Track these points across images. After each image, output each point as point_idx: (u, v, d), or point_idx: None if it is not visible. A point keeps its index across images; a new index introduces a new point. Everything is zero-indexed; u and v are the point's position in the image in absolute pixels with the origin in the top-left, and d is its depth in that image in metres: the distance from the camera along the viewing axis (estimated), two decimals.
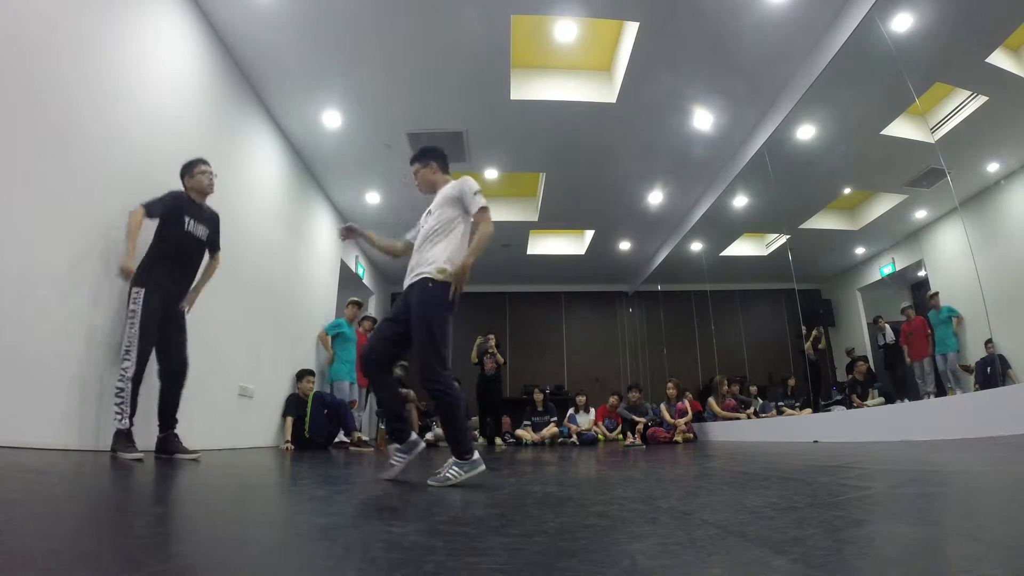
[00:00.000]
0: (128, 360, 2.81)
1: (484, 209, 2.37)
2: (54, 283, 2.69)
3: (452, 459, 2.17)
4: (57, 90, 2.74)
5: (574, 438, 7.58)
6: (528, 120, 5.68)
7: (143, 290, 2.93)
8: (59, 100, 2.75)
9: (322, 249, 6.92)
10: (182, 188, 3.32)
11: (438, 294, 2.23)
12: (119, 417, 2.75)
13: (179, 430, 3.14)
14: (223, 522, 1.41)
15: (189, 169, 3.34)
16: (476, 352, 7.94)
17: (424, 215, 2.54)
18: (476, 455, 2.19)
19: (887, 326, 7.87)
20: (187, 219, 3.19)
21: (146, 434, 2.99)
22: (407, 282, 2.35)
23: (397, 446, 2.34)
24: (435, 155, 2.61)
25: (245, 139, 4.86)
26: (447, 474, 2.11)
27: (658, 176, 7.03)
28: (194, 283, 3.34)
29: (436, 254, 2.30)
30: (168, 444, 3.06)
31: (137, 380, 2.84)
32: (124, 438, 2.73)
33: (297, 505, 1.74)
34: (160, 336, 3.02)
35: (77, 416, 2.80)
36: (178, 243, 3.15)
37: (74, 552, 0.91)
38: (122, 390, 2.78)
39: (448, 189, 2.48)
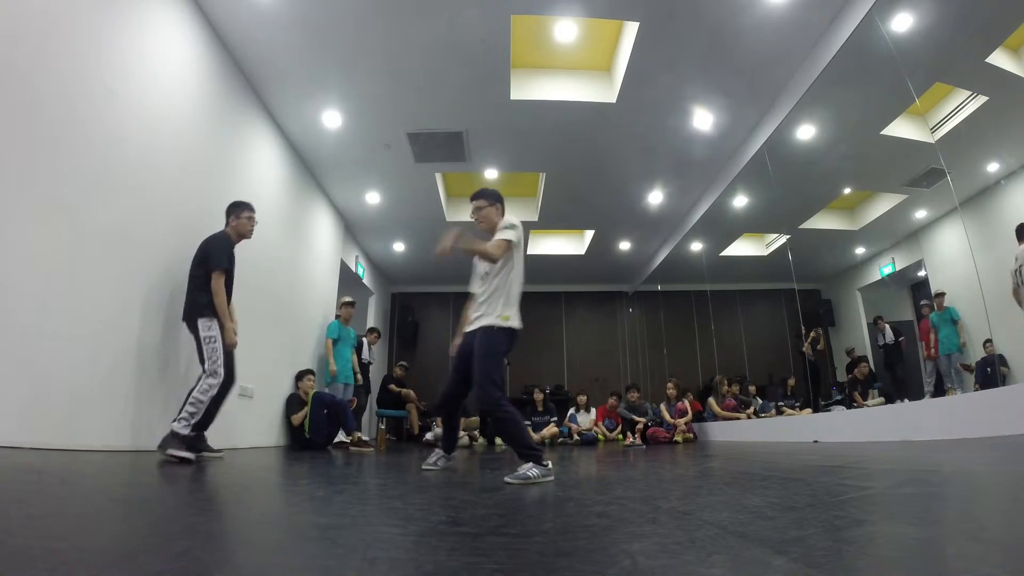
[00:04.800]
0: (215, 377, 3.07)
1: (501, 240, 2.61)
2: (54, 283, 2.69)
3: (530, 463, 2.34)
4: (56, 90, 2.74)
5: (576, 438, 7.58)
6: (528, 120, 5.67)
7: (215, 320, 3.18)
8: (58, 100, 2.75)
9: (322, 249, 6.92)
10: (224, 227, 3.55)
11: (493, 336, 2.57)
12: (184, 424, 2.94)
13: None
14: (223, 522, 1.41)
15: (237, 211, 3.58)
16: None
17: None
18: (549, 463, 2.39)
19: (887, 326, 7.87)
20: (232, 261, 3.43)
21: (147, 435, 3.00)
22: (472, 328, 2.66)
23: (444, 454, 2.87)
24: (499, 198, 2.87)
25: (245, 139, 4.86)
26: (528, 472, 2.27)
27: (658, 176, 7.03)
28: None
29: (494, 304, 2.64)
30: (198, 443, 3.24)
31: (219, 401, 3.12)
32: (179, 439, 2.90)
33: (297, 505, 1.74)
34: None
35: (78, 416, 2.80)
36: (227, 283, 3.37)
37: (74, 552, 0.91)
38: (201, 402, 3.01)
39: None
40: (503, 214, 2.84)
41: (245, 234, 3.61)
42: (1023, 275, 4.65)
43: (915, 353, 7.93)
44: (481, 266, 2.74)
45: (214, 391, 3.07)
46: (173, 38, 3.75)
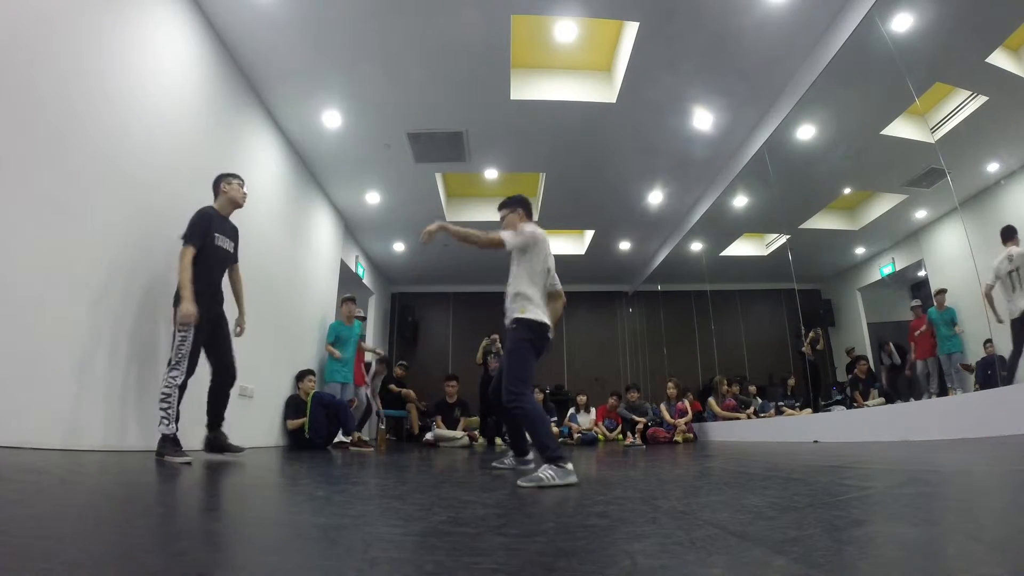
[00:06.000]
0: (178, 370, 2.93)
1: (495, 234, 2.65)
2: (54, 283, 2.69)
3: (544, 464, 2.24)
4: (57, 90, 2.74)
5: (575, 437, 7.58)
6: (528, 120, 5.67)
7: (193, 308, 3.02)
8: (59, 100, 2.75)
9: (322, 249, 6.92)
10: (212, 202, 3.39)
11: (513, 331, 2.58)
12: (166, 422, 2.87)
13: (181, 429, 3.15)
14: (223, 522, 1.41)
15: (225, 179, 3.43)
16: (481, 353, 7.95)
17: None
18: (569, 465, 2.22)
19: (893, 348, 7.84)
20: (216, 234, 3.26)
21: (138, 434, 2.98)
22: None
23: (515, 457, 2.88)
24: (520, 202, 2.94)
25: (245, 139, 4.86)
26: (541, 474, 2.16)
27: (658, 176, 7.03)
28: (238, 305, 3.51)
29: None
30: (217, 441, 3.22)
31: (183, 388, 2.97)
32: (171, 442, 2.85)
33: (297, 505, 1.74)
34: (208, 342, 3.14)
35: (78, 416, 2.80)
36: (209, 257, 3.20)
37: (74, 552, 0.91)
38: (169, 396, 2.90)
39: None
40: (526, 218, 2.92)
41: (238, 201, 3.43)
42: (1020, 277, 4.67)
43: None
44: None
45: (179, 380, 2.93)
46: (173, 38, 3.74)
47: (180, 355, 2.95)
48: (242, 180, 3.51)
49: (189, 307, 2.97)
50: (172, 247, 3.51)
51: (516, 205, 2.95)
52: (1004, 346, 6.05)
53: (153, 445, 3.07)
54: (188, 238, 3.12)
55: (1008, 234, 4.90)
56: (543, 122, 5.72)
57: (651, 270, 9.98)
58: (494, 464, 2.99)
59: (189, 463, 2.73)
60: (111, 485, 1.95)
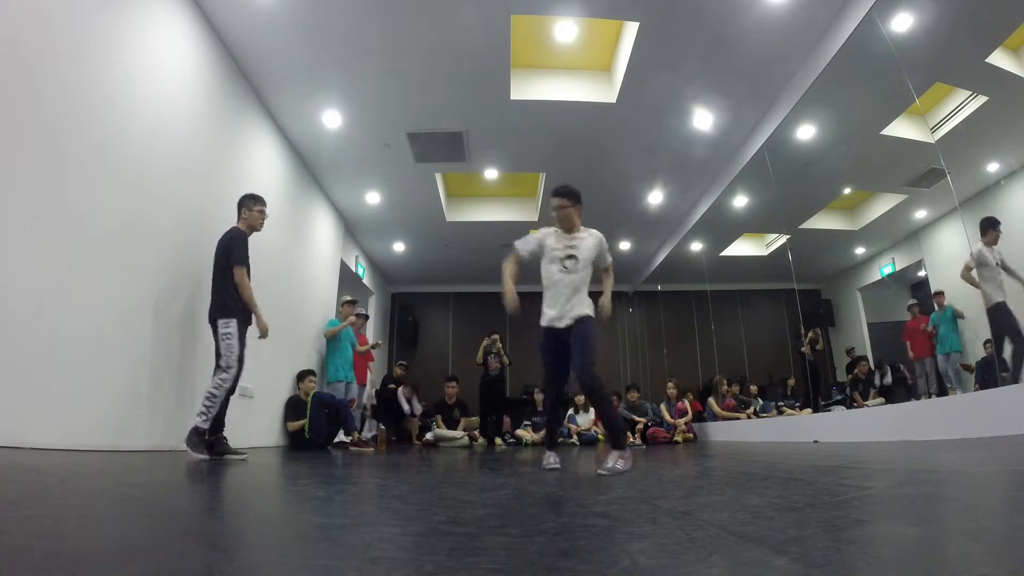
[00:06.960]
0: (229, 372, 3.18)
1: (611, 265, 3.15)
2: (55, 283, 2.69)
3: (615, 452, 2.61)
4: (57, 90, 2.74)
5: (574, 438, 7.57)
6: (528, 120, 5.67)
7: (234, 320, 3.28)
8: (59, 100, 2.75)
9: (322, 249, 6.92)
10: (238, 221, 3.59)
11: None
12: (204, 417, 3.05)
13: (183, 428, 3.23)
14: (223, 522, 1.41)
15: (249, 204, 3.62)
16: (481, 353, 7.96)
17: (564, 254, 3.00)
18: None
19: (888, 369, 7.82)
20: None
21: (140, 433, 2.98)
22: (564, 323, 2.95)
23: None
24: (580, 199, 3.07)
25: (245, 139, 4.86)
26: (617, 465, 2.48)
27: (658, 176, 7.03)
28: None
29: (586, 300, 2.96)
30: (218, 446, 3.33)
31: (231, 391, 3.23)
32: (200, 437, 3.03)
33: (297, 505, 1.74)
34: None
35: (78, 416, 2.80)
36: (249, 275, 3.45)
37: (73, 552, 0.91)
38: (215, 396, 3.12)
39: (594, 240, 3.08)
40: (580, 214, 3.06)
41: (256, 227, 3.64)
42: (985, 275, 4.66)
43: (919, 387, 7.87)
44: (564, 264, 3.01)
45: (228, 384, 3.17)
46: (173, 39, 3.75)
47: (230, 359, 3.18)
48: (264, 205, 3.68)
49: (266, 323, 3.44)
50: (172, 247, 3.52)
51: (577, 201, 3.03)
52: (1004, 348, 6.06)
53: (154, 444, 3.11)
54: (241, 260, 3.34)
55: (982, 228, 4.88)
56: (543, 122, 5.72)
57: (651, 270, 9.98)
58: (546, 465, 2.89)
59: (207, 460, 2.88)
60: (111, 485, 1.95)
